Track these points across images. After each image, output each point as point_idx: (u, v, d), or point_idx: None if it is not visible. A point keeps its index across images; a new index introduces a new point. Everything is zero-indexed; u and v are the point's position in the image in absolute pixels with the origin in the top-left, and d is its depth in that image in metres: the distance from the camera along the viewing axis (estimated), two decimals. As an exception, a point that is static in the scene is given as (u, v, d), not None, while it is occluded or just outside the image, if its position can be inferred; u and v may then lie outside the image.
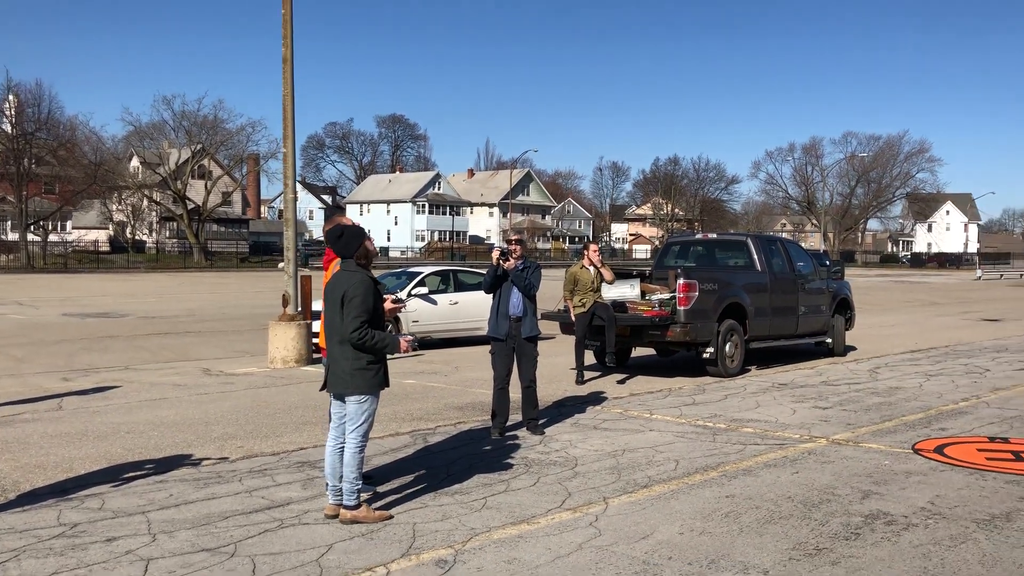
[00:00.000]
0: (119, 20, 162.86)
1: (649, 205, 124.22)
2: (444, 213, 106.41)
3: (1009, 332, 19.87)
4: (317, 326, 14.01)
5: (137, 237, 76.97)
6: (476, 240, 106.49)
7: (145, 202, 74.20)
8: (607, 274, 11.51)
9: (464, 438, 8.17)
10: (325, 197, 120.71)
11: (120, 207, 75.87)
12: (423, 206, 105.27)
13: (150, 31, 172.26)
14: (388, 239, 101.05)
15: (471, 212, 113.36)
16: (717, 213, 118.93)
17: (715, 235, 15.07)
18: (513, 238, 8.42)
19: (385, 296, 5.85)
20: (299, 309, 13.63)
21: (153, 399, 10.24)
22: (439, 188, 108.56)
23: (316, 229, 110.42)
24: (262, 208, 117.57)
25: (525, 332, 8.25)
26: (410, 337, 5.80)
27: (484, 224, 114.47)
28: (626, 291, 12.40)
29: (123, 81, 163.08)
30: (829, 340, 14.63)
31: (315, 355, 13.30)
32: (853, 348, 15.74)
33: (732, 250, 14.04)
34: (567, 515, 5.69)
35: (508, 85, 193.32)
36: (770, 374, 12.56)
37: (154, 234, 79.90)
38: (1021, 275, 69.46)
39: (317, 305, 14.40)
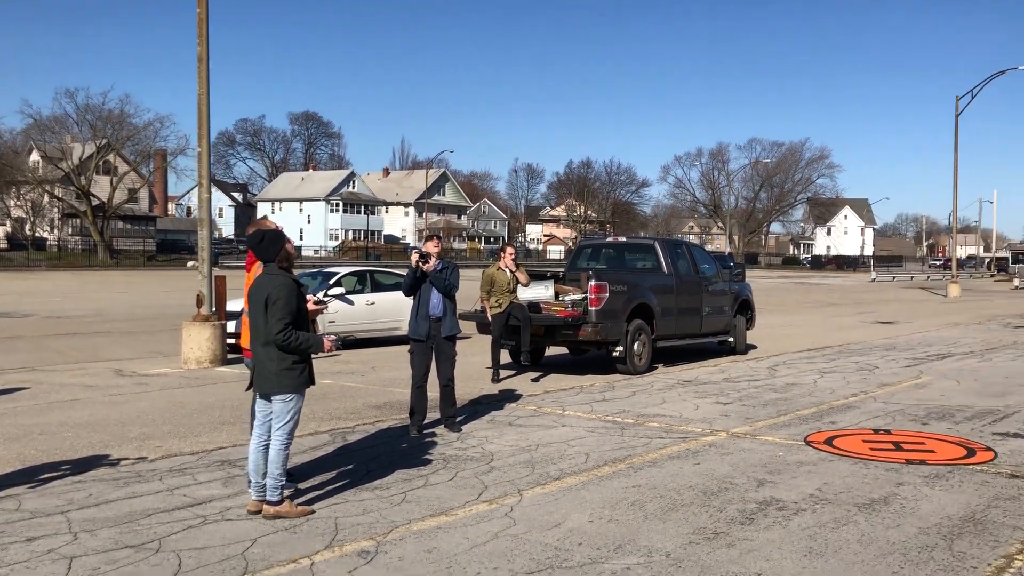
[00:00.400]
0: (19, 7, 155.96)
1: (563, 207, 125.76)
2: (359, 212, 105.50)
3: (899, 332, 21.07)
4: (232, 326, 14.06)
5: (38, 234, 73.96)
6: (391, 240, 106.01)
7: (46, 198, 71.35)
8: (522, 278, 11.85)
9: (383, 436, 8.38)
10: (236, 195, 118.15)
11: (19, 203, 72.76)
12: (337, 205, 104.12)
13: (51, 22, 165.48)
14: (301, 238, 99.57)
15: (386, 211, 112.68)
16: (628, 215, 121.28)
17: (625, 239, 15.63)
18: (433, 240, 8.65)
19: (308, 297, 6.03)
20: (213, 309, 13.54)
21: (65, 400, 10.10)
22: (354, 187, 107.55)
23: (226, 227, 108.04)
24: (170, 205, 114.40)
25: (445, 332, 8.50)
26: (333, 337, 5.99)
27: (399, 224, 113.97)
28: (540, 292, 12.77)
29: (22, 73, 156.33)
30: (731, 339, 15.32)
31: (230, 356, 13.26)
32: (754, 347, 16.50)
33: (641, 253, 14.58)
34: (484, 507, 5.98)
35: (424, 84, 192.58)
36: (676, 372, 13.11)
37: (56, 231, 76.93)
38: (912, 277, 73.08)
39: (231, 305, 14.36)
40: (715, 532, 5.46)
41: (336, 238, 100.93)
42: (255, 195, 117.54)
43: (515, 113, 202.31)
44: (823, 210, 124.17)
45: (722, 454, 7.64)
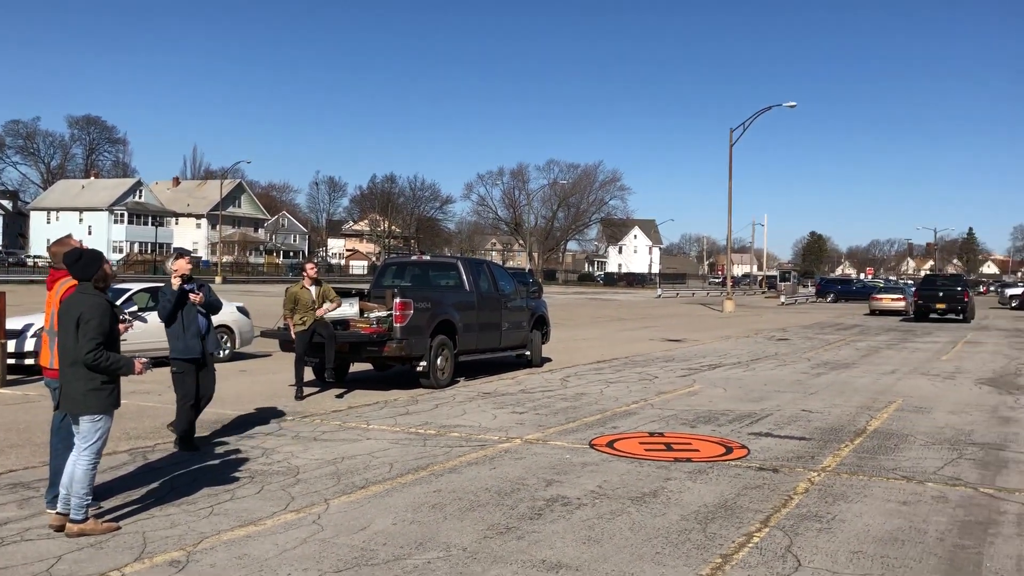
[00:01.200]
0: None
1: (366, 221, 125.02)
2: (146, 223, 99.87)
3: (678, 345, 22.94)
4: (30, 344, 13.33)
5: None
6: (182, 253, 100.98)
7: None
8: (331, 306, 12.06)
9: (185, 455, 8.38)
10: (5, 203, 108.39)
11: None
12: (122, 215, 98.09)
13: None
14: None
15: (176, 223, 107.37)
16: (432, 231, 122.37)
17: (429, 257, 16.17)
18: (184, 258, 8.72)
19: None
20: (-7, 328, 12.74)
21: None
22: (140, 196, 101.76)
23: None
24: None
25: (211, 348, 8.65)
26: (145, 360, 6.06)
27: (191, 236, 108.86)
28: (345, 309, 13.02)
29: None
30: (528, 352, 16.23)
31: (10, 376, 12.54)
32: (549, 359, 17.52)
33: (444, 271, 15.17)
34: (291, 516, 6.26)
35: (219, 90, 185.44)
36: (477, 384, 13.77)
37: None
38: (693, 294, 78.72)
39: (12, 323, 13.57)
40: (507, 527, 6.04)
41: (121, 251, 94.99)
42: (27, 203, 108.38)
43: (316, 125, 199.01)
44: (615, 230, 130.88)
45: (516, 459, 8.29)
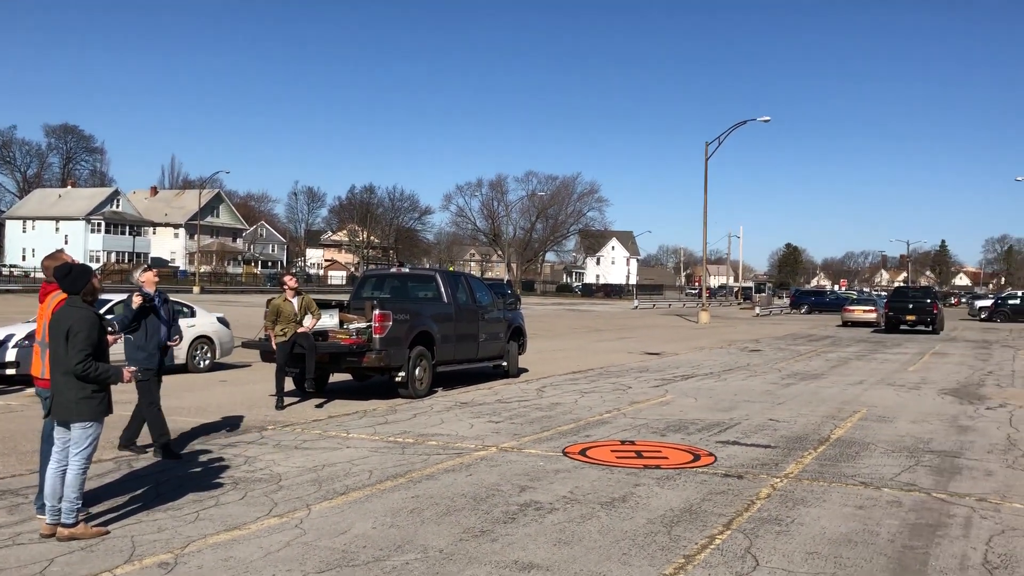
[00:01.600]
0: None
1: (345, 232, 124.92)
2: (123, 233, 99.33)
3: (653, 355, 23.31)
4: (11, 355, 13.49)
5: None
6: (159, 263, 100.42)
7: None
8: (312, 321, 12.34)
9: (169, 462, 8.59)
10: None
11: None
12: (99, 225, 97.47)
13: None
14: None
15: (154, 232, 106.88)
16: (411, 242, 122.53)
17: (408, 269, 16.44)
18: (151, 271, 8.96)
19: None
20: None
21: None
22: (118, 206, 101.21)
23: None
24: None
25: (168, 359, 8.90)
26: (133, 368, 6.30)
27: (168, 246, 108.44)
28: (326, 320, 13.26)
29: None
30: (505, 363, 16.52)
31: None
32: (525, 370, 17.82)
33: (423, 283, 15.45)
34: (275, 520, 6.51)
35: (197, 100, 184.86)
36: (454, 394, 14.04)
37: None
38: (669, 305, 79.38)
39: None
40: (482, 531, 6.33)
41: (98, 260, 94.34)
42: (3, 212, 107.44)
43: (296, 135, 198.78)
44: (593, 241, 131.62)
45: (491, 466, 8.58)
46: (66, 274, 6.03)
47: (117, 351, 14.61)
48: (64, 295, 6.19)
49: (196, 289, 68.66)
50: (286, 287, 12.42)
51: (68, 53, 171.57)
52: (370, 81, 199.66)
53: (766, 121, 46.65)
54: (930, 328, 37.37)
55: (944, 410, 13.34)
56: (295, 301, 12.37)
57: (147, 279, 8.71)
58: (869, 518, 6.89)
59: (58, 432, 6.11)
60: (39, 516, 6.34)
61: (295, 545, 5.89)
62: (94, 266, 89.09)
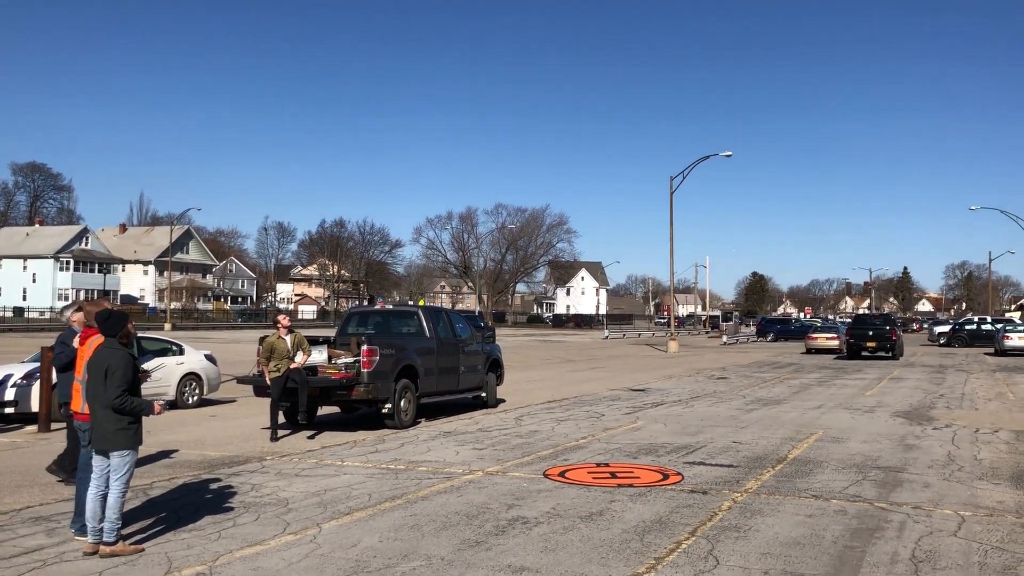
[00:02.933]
0: None
1: (315, 266, 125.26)
2: (93, 270, 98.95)
3: (624, 384, 24.23)
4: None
5: None
6: (129, 300, 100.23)
7: None
8: (304, 358, 13.14)
9: (183, 490, 9.31)
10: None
11: None
12: (68, 263, 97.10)
13: None
14: (25, 298, 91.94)
15: (123, 270, 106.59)
16: (381, 275, 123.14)
17: (391, 306, 17.28)
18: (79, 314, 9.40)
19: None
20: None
21: None
22: (87, 243, 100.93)
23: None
24: None
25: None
26: (162, 402, 7.08)
27: (138, 283, 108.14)
28: (315, 356, 14.03)
29: None
30: (484, 394, 17.35)
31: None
32: (503, 400, 18.64)
33: (405, 319, 16.27)
34: (291, 537, 7.28)
35: (165, 135, 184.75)
36: (438, 424, 14.83)
37: None
38: (639, 334, 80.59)
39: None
40: (477, 541, 7.15)
41: (67, 298, 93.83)
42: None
43: (266, 170, 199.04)
44: (563, 272, 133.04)
45: (479, 488, 9.39)
46: (106, 319, 6.83)
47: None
48: (101, 338, 6.98)
49: (168, 326, 68.67)
50: (280, 325, 13.20)
51: (35, 91, 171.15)
52: (340, 116, 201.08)
53: (728, 156, 48.23)
54: (890, 354, 38.71)
55: (894, 431, 14.36)
56: (288, 338, 13.15)
57: (77, 318, 8.69)
58: (817, 524, 7.80)
59: (97, 460, 6.86)
60: (78, 537, 7.08)
61: (313, 557, 6.67)
62: (62, 304, 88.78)
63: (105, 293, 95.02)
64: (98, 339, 7.04)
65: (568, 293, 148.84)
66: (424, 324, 15.70)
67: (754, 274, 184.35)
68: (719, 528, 7.64)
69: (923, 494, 9.21)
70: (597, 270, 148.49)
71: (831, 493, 9.21)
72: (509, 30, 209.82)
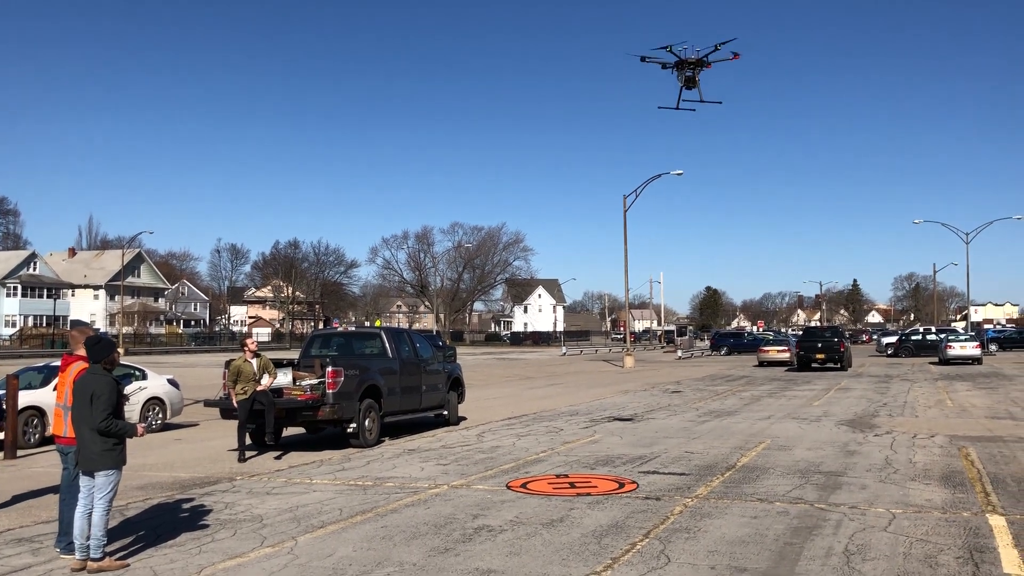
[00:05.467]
0: None
1: (269, 288, 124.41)
2: (42, 296, 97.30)
3: (581, 399, 24.82)
4: None
5: None
6: (80, 325, 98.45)
7: None
8: (269, 380, 13.49)
9: (157, 510, 9.63)
10: None
11: None
12: (15, 288, 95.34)
13: None
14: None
15: (73, 295, 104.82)
16: (337, 296, 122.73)
17: (354, 328, 17.66)
18: None
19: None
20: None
21: None
22: (35, 268, 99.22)
23: None
24: None
25: None
26: (144, 425, 7.46)
27: (89, 307, 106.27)
28: (280, 379, 14.38)
29: None
30: (446, 412, 17.81)
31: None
32: (464, 418, 19.10)
33: (368, 340, 16.68)
34: (269, 549, 7.68)
35: (113, 157, 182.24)
36: (401, 442, 15.24)
37: None
38: (596, 350, 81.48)
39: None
40: (446, 548, 7.62)
41: (15, 325, 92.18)
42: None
43: (217, 191, 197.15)
44: (520, 290, 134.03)
45: (445, 500, 9.86)
46: (96, 343, 7.21)
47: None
48: (84, 365, 7.35)
49: (120, 351, 67.76)
50: (246, 349, 13.55)
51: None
52: (292, 136, 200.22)
53: (679, 174, 49.39)
54: (839, 365, 39.89)
55: (838, 438, 15.11)
56: (254, 362, 13.50)
57: None
58: (761, 525, 8.41)
59: (83, 480, 7.21)
60: (63, 555, 7.41)
61: (292, 566, 7.09)
62: (10, 331, 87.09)
63: (55, 319, 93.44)
64: (79, 366, 7.41)
65: (525, 311, 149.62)
66: (387, 345, 16.12)
67: (708, 288, 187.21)
68: (671, 530, 8.20)
69: (860, 495, 9.88)
70: (554, 287, 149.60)
71: (775, 496, 9.84)
72: (462, 48, 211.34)
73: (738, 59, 13.98)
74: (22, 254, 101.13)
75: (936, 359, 47.19)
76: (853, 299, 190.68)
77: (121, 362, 20.03)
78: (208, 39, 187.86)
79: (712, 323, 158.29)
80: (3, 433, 13.87)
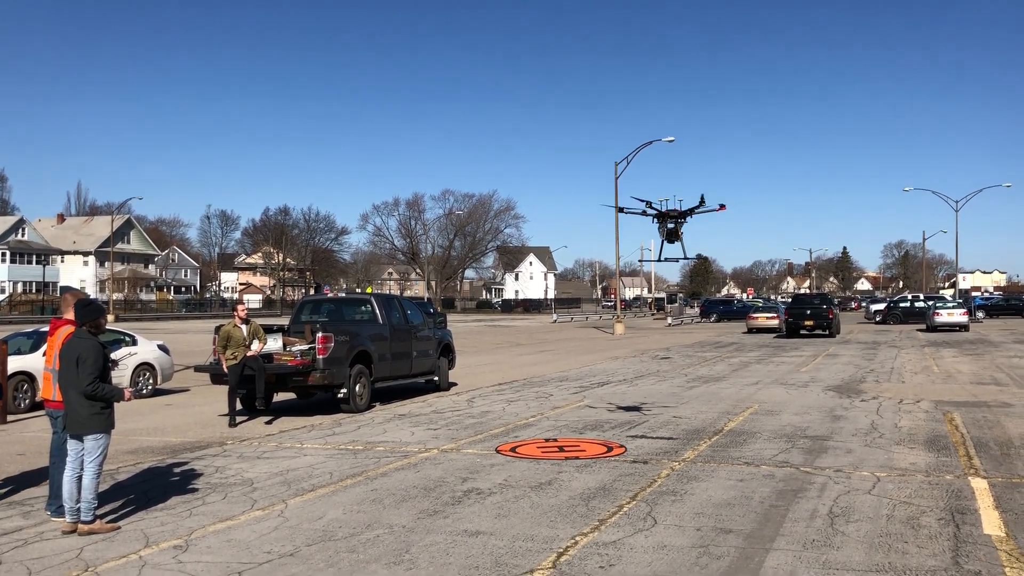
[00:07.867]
0: None
1: (260, 254, 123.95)
2: (31, 262, 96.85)
3: (571, 365, 24.94)
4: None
5: None
6: (71, 290, 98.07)
7: None
8: (260, 346, 13.48)
9: (148, 474, 9.68)
10: None
11: None
12: (4, 254, 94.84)
13: None
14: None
15: (62, 261, 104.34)
16: (328, 263, 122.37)
17: (344, 294, 17.65)
18: None
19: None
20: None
21: None
22: (23, 235, 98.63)
23: None
24: None
25: None
26: (132, 389, 7.47)
27: (78, 274, 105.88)
28: (270, 344, 14.39)
29: None
30: (436, 378, 17.87)
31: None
32: (455, 384, 19.18)
33: (358, 306, 16.69)
34: (259, 512, 7.74)
35: (102, 122, 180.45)
36: (392, 407, 15.31)
37: None
38: (587, 318, 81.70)
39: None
40: (435, 511, 7.69)
41: (3, 291, 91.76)
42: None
43: (207, 157, 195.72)
44: (511, 257, 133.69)
45: (435, 464, 9.93)
46: (86, 305, 7.21)
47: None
48: (72, 328, 7.34)
49: (111, 317, 67.68)
50: (236, 314, 13.54)
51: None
52: (282, 102, 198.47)
53: (670, 141, 49.21)
54: (827, 332, 40.13)
55: (824, 403, 15.25)
56: (244, 327, 13.49)
57: None
58: (747, 488, 8.51)
59: (72, 444, 7.23)
60: (54, 518, 7.44)
61: (282, 528, 7.15)
62: (0, 297, 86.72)
63: (44, 285, 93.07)
64: (67, 330, 7.40)
65: (517, 278, 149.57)
66: (377, 311, 16.13)
67: (698, 256, 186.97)
68: (658, 493, 8.29)
69: (845, 459, 9.99)
70: (545, 255, 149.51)
71: (761, 460, 9.95)
72: (453, 17, 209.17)
73: (724, 210, 13.77)
74: (10, 220, 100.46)
75: (924, 326, 47.50)
76: (843, 267, 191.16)
77: (111, 328, 20.10)
78: (198, 5, 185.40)
79: (702, 291, 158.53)
80: (-7, 398, 13.87)
